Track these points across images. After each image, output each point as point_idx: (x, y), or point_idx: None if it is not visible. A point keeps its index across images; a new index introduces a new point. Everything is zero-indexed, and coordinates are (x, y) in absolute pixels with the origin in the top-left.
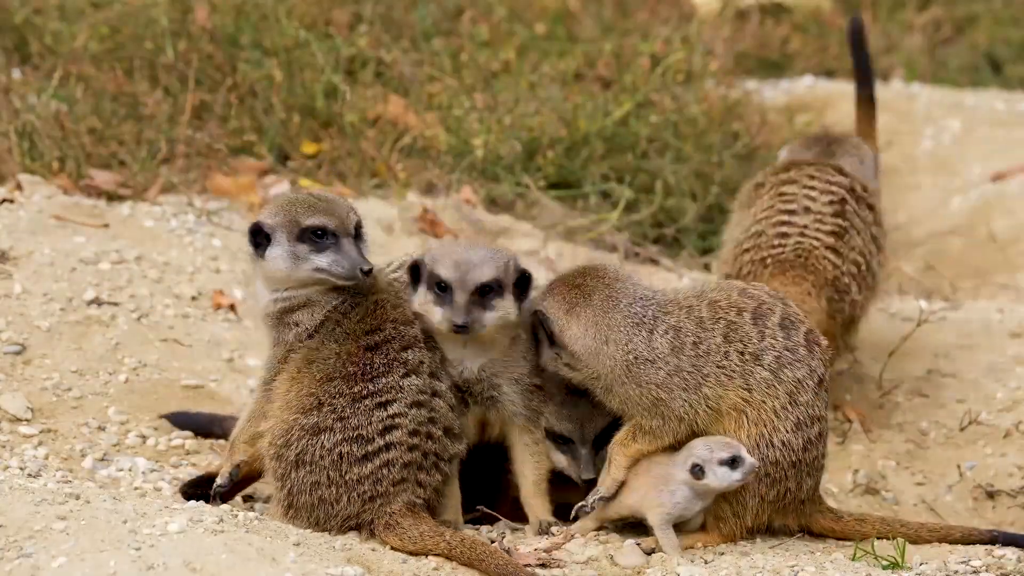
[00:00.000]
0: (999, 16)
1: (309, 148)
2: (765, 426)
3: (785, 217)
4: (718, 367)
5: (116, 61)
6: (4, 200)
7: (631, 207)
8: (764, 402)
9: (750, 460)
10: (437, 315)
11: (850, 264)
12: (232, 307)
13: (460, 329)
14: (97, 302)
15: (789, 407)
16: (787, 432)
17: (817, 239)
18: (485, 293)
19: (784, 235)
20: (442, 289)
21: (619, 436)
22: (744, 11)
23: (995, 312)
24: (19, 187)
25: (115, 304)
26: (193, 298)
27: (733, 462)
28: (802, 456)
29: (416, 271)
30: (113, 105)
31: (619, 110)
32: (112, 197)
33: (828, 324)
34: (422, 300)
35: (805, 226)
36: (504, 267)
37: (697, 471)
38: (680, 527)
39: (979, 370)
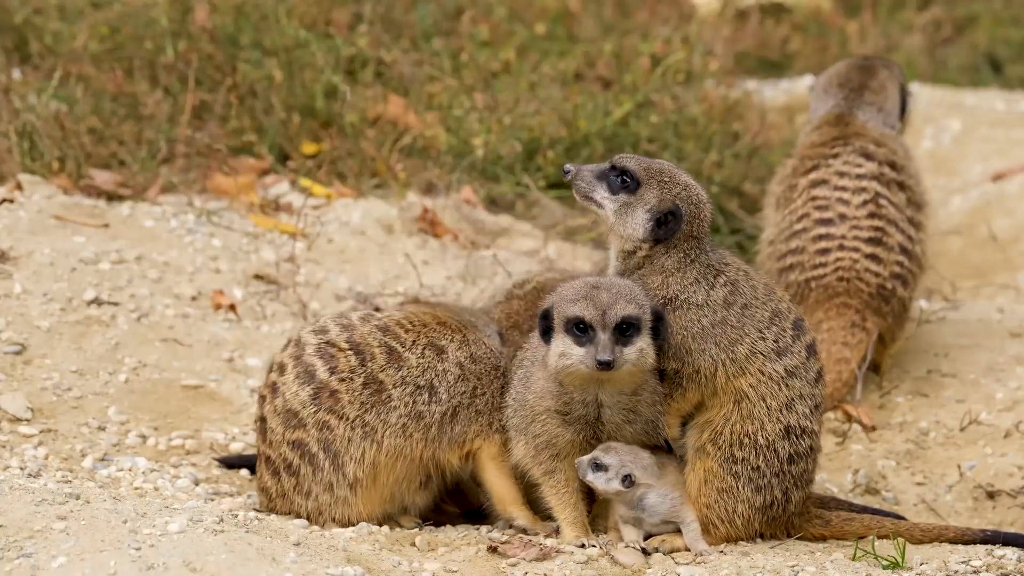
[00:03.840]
0: (999, 16)
1: (309, 148)
2: (752, 423)
3: (822, 230)
4: (757, 336)
5: (116, 61)
6: (4, 200)
7: None
8: (763, 399)
9: (582, 466)
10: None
11: (892, 266)
12: (232, 307)
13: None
14: (97, 302)
15: (784, 412)
16: (774, 436)
17: (856, 248)
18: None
19: (824, 251)
20: (581, 330)
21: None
22: (744, 11)
23: (995, 312)
24: (19, 187)
25: (115, 304)
26: (193, 298)
27: (597, 466)
28: (787, 468)
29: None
30: (113, 105)
31: (619, 110)
32: (112, 197)
33: (867, 349)
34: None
35: (843, 236)
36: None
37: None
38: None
39: (979, 370)
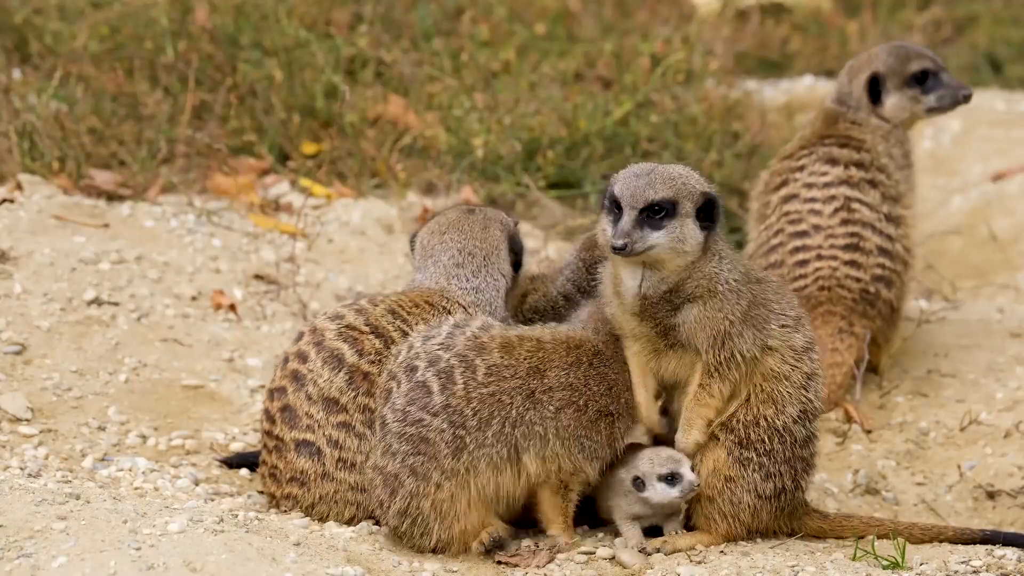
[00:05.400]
0: (999, 16)
1: (309, 148)
2: (774, 404)
3: (798, 242)
4: (778, 311)
5: (116, 61)
6: (4, 200)
7: None
8: (787, 377)
9: (689, 478)
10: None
11: (873, 269)
12: (232, 307)
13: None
14: (97, 302)
15: (803, 390)
16: (790, 420)
17: (834, 257)
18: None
19: (802, 263)
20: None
21: (690, 397)
22: (744, 11)
23: (995, 312)
24: (19, 187)
25: (115, 304)
26: (193, 298)
27: (672, 478)
28: (799, 451)
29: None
30: (113, 105)
31: (619, 110)
32: (112, 197)
33: (860, 352)
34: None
35: (819, 246)
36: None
37: (638, 484)
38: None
39: (979, 370)
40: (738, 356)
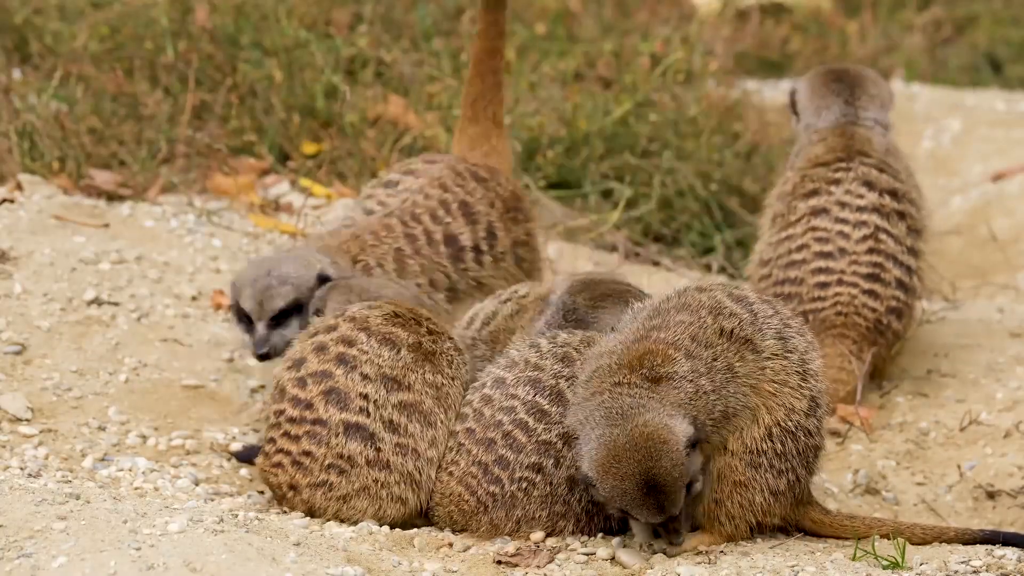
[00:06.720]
0: (999, 16)
1: (309, 148)
2: (783, 408)
3: (822, 263)
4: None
5: (116, 61)
6: (4, 200)
7: (631, 205)
8: (785, 383)
9: None
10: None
11: (889, 300)
12: None
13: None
14: (97, 302)
15: (803, 384)
16: (802, 416)
17: (855, 284)
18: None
19: (823, 285)
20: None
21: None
22: (744, 11)
23: (995, 312)
24: (19, 187)
25: (115, 304)
26: (193, 298)
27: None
28: (811, 440)
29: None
30: (113, 105)
31: (619, 109)
32: (112, 197)
33: (863, 372)
34: None
35: (842, 271)
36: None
37: None
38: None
39: (979, 370)
40: (742, 413)
